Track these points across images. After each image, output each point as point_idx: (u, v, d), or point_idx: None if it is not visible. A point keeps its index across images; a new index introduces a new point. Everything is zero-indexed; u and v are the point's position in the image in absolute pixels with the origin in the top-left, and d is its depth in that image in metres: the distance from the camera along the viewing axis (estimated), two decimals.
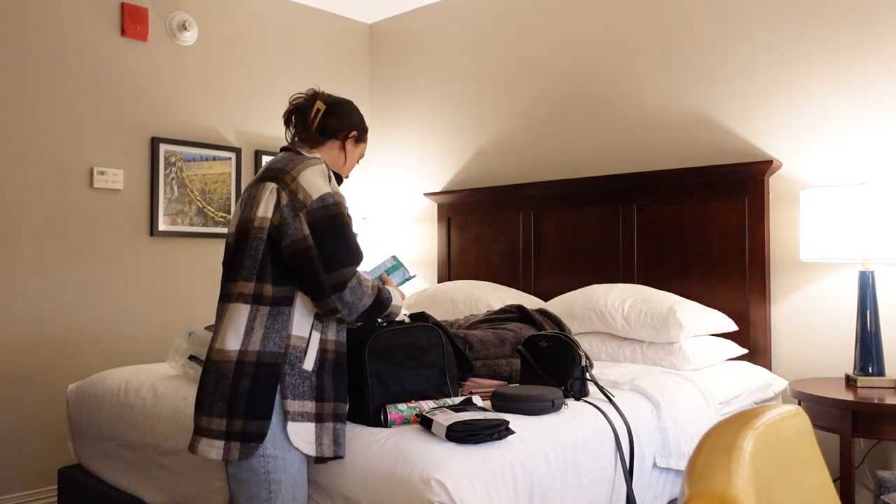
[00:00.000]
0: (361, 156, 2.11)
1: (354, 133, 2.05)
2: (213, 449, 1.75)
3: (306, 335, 1.81)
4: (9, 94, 3.28)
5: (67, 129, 3.44)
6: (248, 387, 1.74)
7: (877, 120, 2.81)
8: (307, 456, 1.80)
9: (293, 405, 1.76)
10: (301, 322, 1.81)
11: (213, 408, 1.77)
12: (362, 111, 2.13)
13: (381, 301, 1.86)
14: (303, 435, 1.76)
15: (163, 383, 2.49)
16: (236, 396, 1.74)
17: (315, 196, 1.78)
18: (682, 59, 3.33)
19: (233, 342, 1.77)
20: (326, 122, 1.99)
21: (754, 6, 3.11)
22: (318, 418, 1.79)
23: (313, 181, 1.81)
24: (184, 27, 3.80)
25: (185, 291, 3.78)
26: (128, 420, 2.48)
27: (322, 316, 1.84)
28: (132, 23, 3.63)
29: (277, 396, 1.76)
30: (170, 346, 2.68)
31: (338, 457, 1.81)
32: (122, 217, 3.60)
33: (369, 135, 2.23)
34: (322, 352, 1.83)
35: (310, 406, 1.79)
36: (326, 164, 1.90)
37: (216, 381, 1.77)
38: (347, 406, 1.91)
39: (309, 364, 1.80)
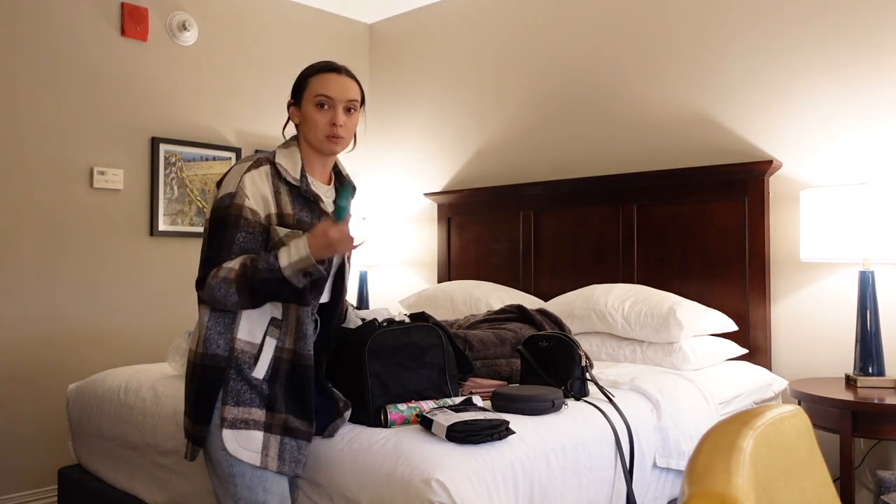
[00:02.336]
0: (319, 104, 1.82)
1: (290, 102, 1.90)
2: (184, 446, 1.82)
3: (258, 341, 1.76)
4: (9, 93, 3.28)
5: (67, 129, 3.44)
6: (195, 389, 1.75)
7: (877, 120, 2.81)
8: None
9: (232, 412, 1.72)
10: (251, 327, 1.76)
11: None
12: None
13: (251, 282, 1.65)
14: (244, 443, 1.72)
15: (163, 383, 2.49)
16: (189, 397, 1.78)
17: (219, 196, 1.77)
18: (683, 59, 3.33)
19: (192, 341, 1.81)
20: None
21: (754, 6, 3.11)
22: (268, 428, 1.75)
23: (228, 180, 1.78)
24: (184, 27, 3.80)
25: (185, 291, 3.78)
26: (128, 420, 2.48)
27: (280, 322, 1.77)
28: (132, 23, 3.63)
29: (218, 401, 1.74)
30: (170, 346, 2.68)
31: (282, 473, 1.75)
32: (122, 217, 3.60)
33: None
34: (277, 360, 1.77)
35: (258, 414, 1.74)
36: (265, 161, 1.79)
37: (185, 377, 1.83)
38: (311, 424, 1.79)
39: (260, 371, 1.75)
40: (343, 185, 1.96)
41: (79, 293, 3.46)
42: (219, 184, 1.82)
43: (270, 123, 4.14)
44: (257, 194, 1.74)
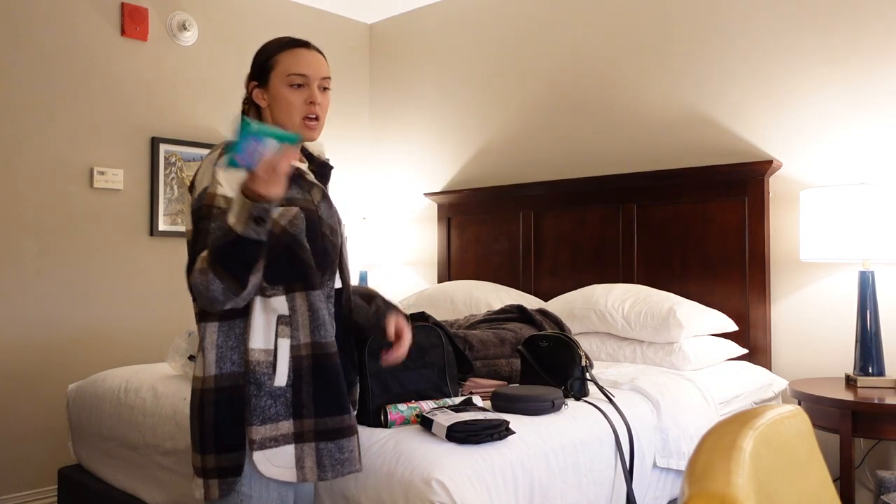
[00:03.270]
0: (291, 83, 1.67)
1: (253, 83, 1.72)
2: (197, 488, 1.58)
3: (271, 346, 1.57)
4: (9, 93, 3.28)
5: (67, 129, 3.44)
6: (213, 416, 1.55)
7: (876, 120, 2.81)
8: (291, 484, 1.58)
9: (260, 432, 1.53)
10: (262, 333, 1.58)
11: (192, 442, 1.61)
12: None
13: (216, 257, 1.46)
14: (277, 461, 1.54)
15: (163, 383, 2.49)
16: (204, 428, 1.56)
17: (195, 196, 1.60)
18: (682, 60, 3.33)
19: (198, 368, 1.61)
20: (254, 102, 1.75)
21: (754, 6, 3.11)
22: (298, 438, 1.57)
23: (201, 177, 1.62)
24: (184, 27, 3.80)
25: (185, 291, 3.72)
26: (128, 420, 2.48)
27: (289, 318, 1.58)
28: (132, 23, 3.63)
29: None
30: (170, 346, 2.68)
31: (326, 479, 1.58)
32: (122, 217, 3.60)
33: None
34: (296, 360, 1.58)
35: (286, 426, 1.56)
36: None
37: (191, 413, 1.62)
38: (346, 417, 1.60)
39: (281, 379, 1.56)
40: (317, 165, 1.77)
41: (79, 293, 3.46)
42: (191, 186, 1.64)
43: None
44: (233, 180, 1.55)
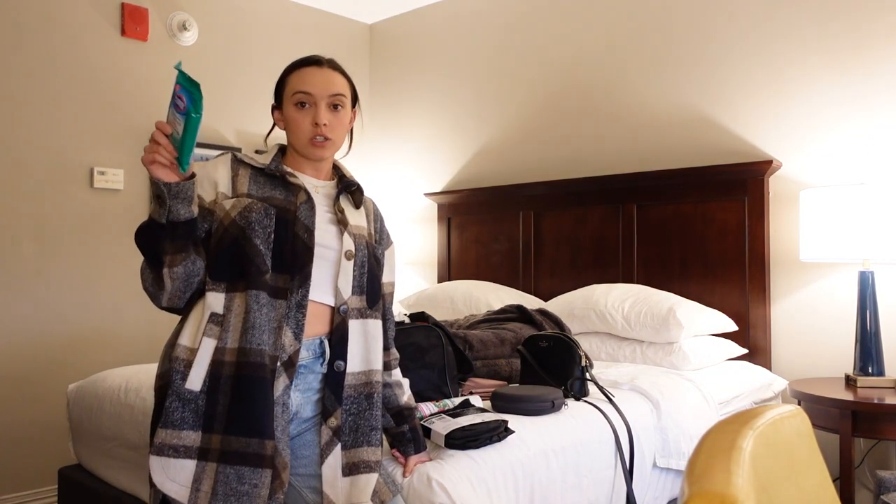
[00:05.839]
0: (298, 103, 1.61)
1: (274, 105, 1.70)
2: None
3: (196, 345, 1.45)
4: (9, 93, 3.28)
5: (67, 129, 3.44)
6: (153, 416, 1.50)
7: (876, 119, 2.81)
8: None
9: (160, 435, 1.41)
10: (191, 328, 1.48)
11: None
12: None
13: (137, 244, 1.45)
14: (174, 474, 1.40)
15: None
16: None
17: None
18: (682, 60, 3.33)
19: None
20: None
21: (754, 6, 3.11)
22: (203, 454, 1.41)
23: None
24: (184, 27, 3.81)
25: None
26: (128, 420, 2.48)
27: (222, 317, 1.47)
28: (132, 23, 3.63)
29: None
30: None
31: None
32: (122, 217, 3.60)
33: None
34: (216, 364, 1.44)
35: (192, 437, 1.41)
36: (228, 152, 1.64)
37: None
38: (256, 442, 1.41)
39: (194, 382, 1.43)
40: (347, 186, 1.71)
41: (79, 293, 3.46)
42: None
43: (270, 123, 4.13)
44: (204, 177, 1.54)
